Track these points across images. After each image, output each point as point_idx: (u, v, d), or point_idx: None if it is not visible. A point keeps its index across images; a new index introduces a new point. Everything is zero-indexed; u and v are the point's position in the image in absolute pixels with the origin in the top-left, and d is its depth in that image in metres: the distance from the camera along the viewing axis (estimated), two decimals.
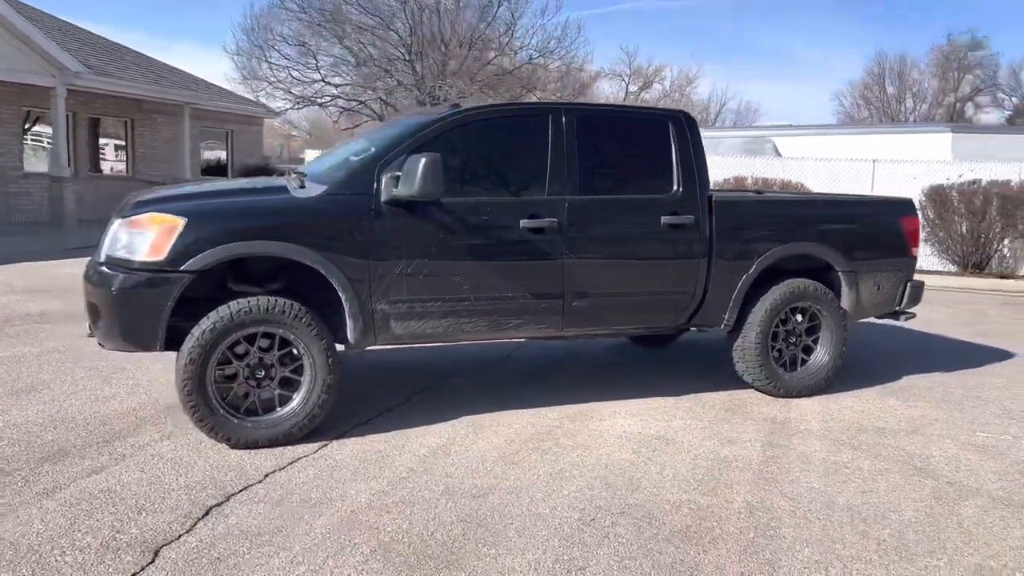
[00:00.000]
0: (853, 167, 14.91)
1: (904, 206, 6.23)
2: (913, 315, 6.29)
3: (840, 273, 5.84)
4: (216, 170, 22.07)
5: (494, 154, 5.01)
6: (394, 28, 17.37)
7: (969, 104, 66.81)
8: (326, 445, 4.51)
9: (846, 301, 5.89)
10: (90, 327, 4.59)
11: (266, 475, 4.06)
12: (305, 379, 4.49)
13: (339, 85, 17.73)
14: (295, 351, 4.48)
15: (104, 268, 4.36)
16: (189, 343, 4.24)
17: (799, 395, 5.76)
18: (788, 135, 20.02)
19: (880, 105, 66.18)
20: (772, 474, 4.29)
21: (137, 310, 4.25)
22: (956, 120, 55.50)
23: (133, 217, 4.35)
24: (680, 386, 5.94)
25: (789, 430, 5.04)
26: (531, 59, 17.25)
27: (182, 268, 4.24)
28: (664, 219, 5.28)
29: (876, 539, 3.55)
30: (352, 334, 4.62)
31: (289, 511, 3.65)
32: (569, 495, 3.93)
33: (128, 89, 17.90)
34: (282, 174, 6.44)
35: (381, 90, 17.56)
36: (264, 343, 4.42)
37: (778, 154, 18.33)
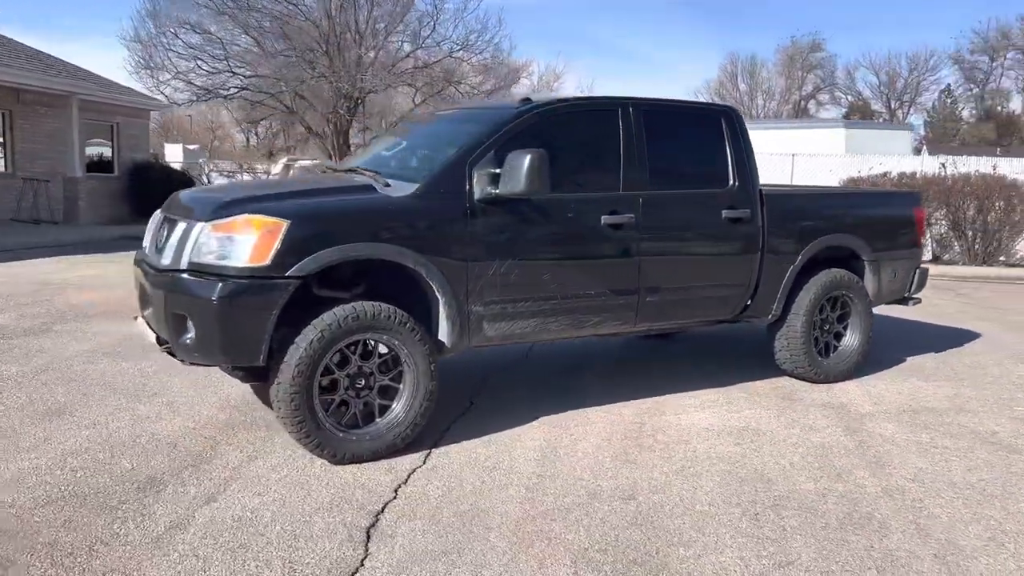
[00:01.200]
0: (773, 160, 15.67)
1: (915, 197, 6.60)
2: (919, 300, 6.68)
3: (866, 262, 6.11)
4: (99, 166, 20.51)
5: (573, 149, 4.92)
6: (310, 18, 16.71)
7: (812, 101, 71.71)
8: (428, 455, 4.30)
9: (870, 288, 6.18)
10: (162, 340, 4.17)
11: (396, 489, 3.83)
12: (407, 387, 4.27)
13: (248, 76, 16.87)
14: (395, 358, 4.24)
15: (190, 276, 3.97)
16: (296, 353, 3.94)
17: (834, 380, 5.99)
18: None
19: (735, 102, 69.86)
20: (876, 457, 4.44)
21: (241, 321, 3.90)
22: (800, 116, 59.02)
23: (225, 220, 3.98)
24: (718, 377, 6.03)
25: (853, 414, 5.24)
26: (452, 52, 17.04)
27: (288, 274, 3.93)
28: (724, 213, 5.36)
29: (1020, 513, 3.75)
30: (449, 337, 4.43)
31: (453, 526, 3.46)
32: (712, 491, 3.93)
33: (4, 77, 16.34)
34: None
35: (294, 82, 16.84)
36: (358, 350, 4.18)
37: None
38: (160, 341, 4.24)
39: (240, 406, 5.01)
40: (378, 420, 4.25)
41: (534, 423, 4.88)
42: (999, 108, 64.30)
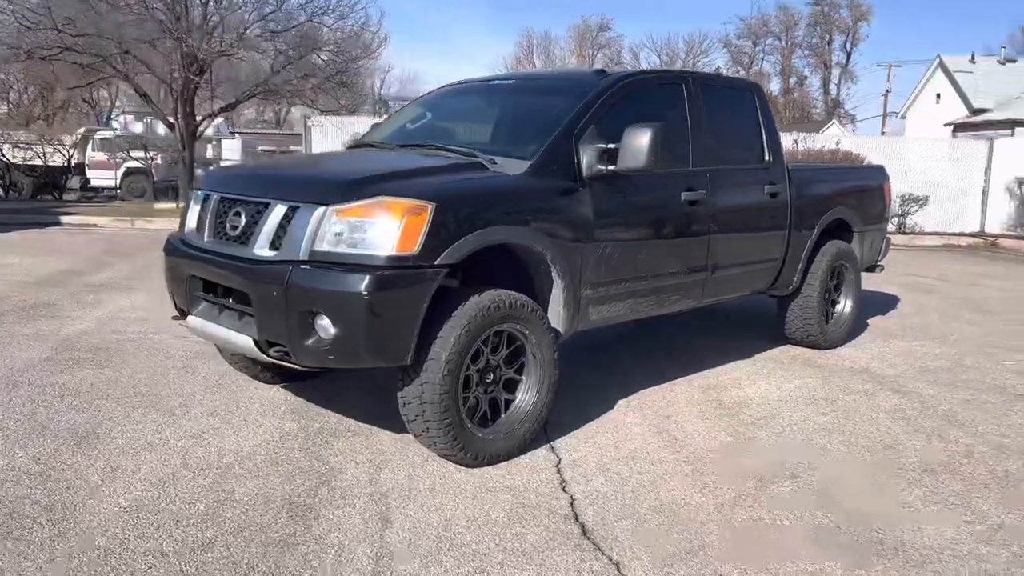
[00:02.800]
0: None
1: (883, 171, 7.07)
2: (883, 267, 7.20)
3: (856, 233, 6.49)
4: None
5: (648, 122, 4.77)
6: None
7: (477, 76, 75.13)
8: (553, 449, 4.07)
9: (857, 257, 6.58)
10: (279, 344, 3.61)
11: (564, 489, 3.58)
12: (533, 378, 3.99)
13: (78, 35, 14.87)
14: (518, 349, 3.96)
15: (322, 269, 3.45)
16: (445, 348, 3.54)
17: (835, 346, 6.34)
18: None
19: None
20: (949, 416, 4.75)
21: (392, 317, 3.44)
22: None
23: (359, 203, 3.48)
24: (734, 350, 6.15)
25: (885, 378, 5.56)
26: (312, 17, 15.98)
27: (437, 263, 3.52)
28: (766, 188, 5.47)
29: None
30: (563, 324, 4.19)
31: (665, 523, 3.29)
32: (873, 462, 4.02)
33: None
34: None
35: (131, 42, 15.07)
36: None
37: None
38: (265, 346, 3.65)
39: (297, 411, 4.48)
40: (503, 416, 3.94)
41: (621, 405, 4.78)
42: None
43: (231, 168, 4.60)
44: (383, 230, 3.42)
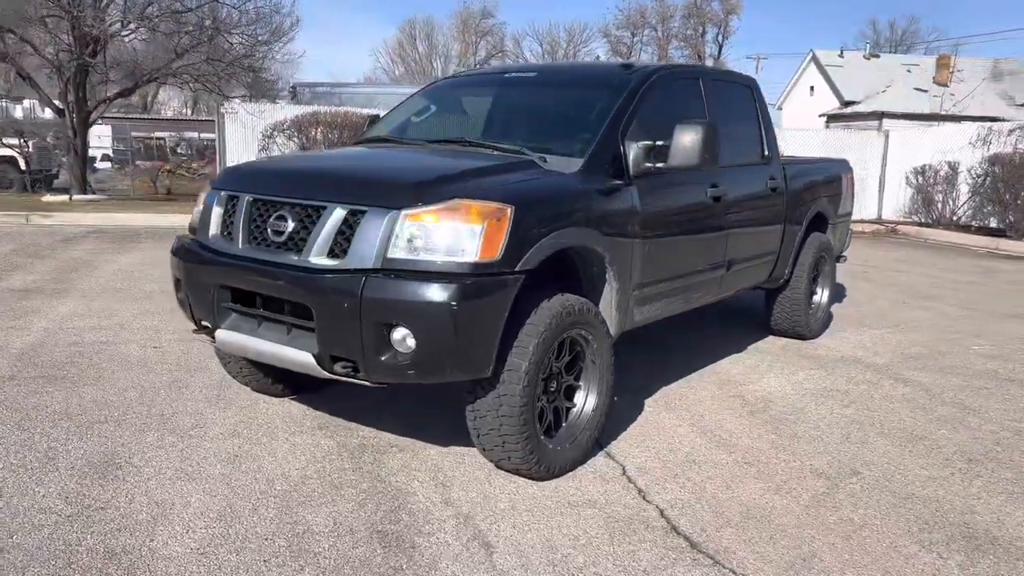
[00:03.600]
0: None
1: (847, 164, 7.29)
2: (846, 258, 7.45)
3: (830, 224, 6.68)
4: None
5: (679, 118, 4.71)
6: None
7: (486, 66, 75.25)
8: (610, 456, 3.97)
9: (833, 248, 6.78)
10: (346, 359, 3.34)
11: (646, 499, 3.48)
12: (592, 384, 3.87)
13: None
14: (577, 354, 3.83)
15: (400, 279, 3.20)
16: (525, 357, 3.37)
17: (816, 336, 6.51)
18: None
19: (414, 64, 71.06)
20: (957, 402, 4.94)
21: (477, 327, 3.24)
22: None
23: (436, 206, 3.25)
24: (725, 344, 6.22)
25: (879, 366, 5.75)
26: None
27: (517, 269, 3.34)
28: (768, 183, 5.53)
29: None
30: (614, 327, 4.09)
31: (766, 530, 3.25)
32: (917, 454, 4.11)
33: None
34: None
35: (19, 20, 13.79)
36: None
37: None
38: (328, 362, 3.36)
39: (325, 427, 4.20)
40: (564, 425, 3.80)
41: (648, 404, 4.73)
42: None
43: (259, 165, 4.21)
44: (465, 236, 3.21)
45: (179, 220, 13.68)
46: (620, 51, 72.56)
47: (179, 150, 36.44)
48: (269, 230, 3.54)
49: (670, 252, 4.41)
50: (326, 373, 3.39)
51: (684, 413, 4.60)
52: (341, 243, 3.33)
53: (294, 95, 18.72)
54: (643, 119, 4.23)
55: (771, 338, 6.42)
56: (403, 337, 3.19)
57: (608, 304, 4.01)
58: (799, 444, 4.19)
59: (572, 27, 75.72)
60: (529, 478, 3.59)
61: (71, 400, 4.43)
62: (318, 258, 3.35)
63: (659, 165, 4.09)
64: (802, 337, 6.37)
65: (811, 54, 46.03)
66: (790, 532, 3.22)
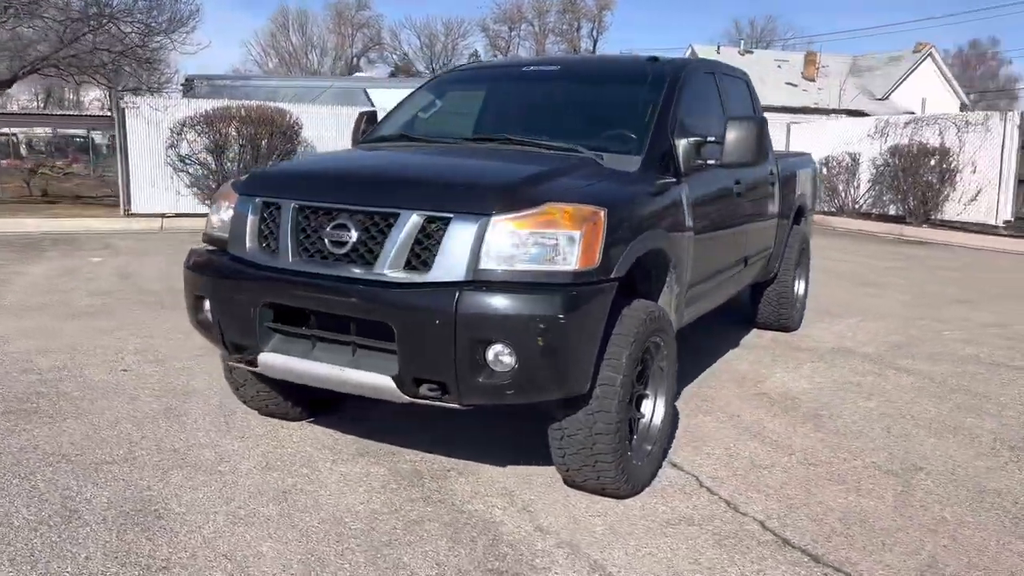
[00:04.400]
0: None
1: (812, 158, 7.42)
2: None
3: (803, 218, 6.79)
4: None
5: (705, 113, 4.61)
6: None
7: (364, 59, 73.94)
8: (676, 466, 3.83)
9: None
10: (432, 381, 3.04)
11: (744, 515, 3.36)
12: (661, 391, 3.71)
13: None
14: (648, 361, 3.66)
15: (496, 291, 2.93)
16: (618, 372, 3.17)
17: (797, 327, 6.60)
18: (380, 87, 20.09)
19: (288, 56, 68.95)
20: (963, 390, 5.08)
21: (580, 341, 3.01)
22: (352, 73, 60.16)
23: (531, 212, 2.99)
24: (719, 337, 6.16)
25: (872, 356, 5.86)
26: None
27: (612, 276, 3.14)
28: (768, 177, 5.53)
29: None
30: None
31: (872, 541, 3.19)
32: (961, 444, 4.15)
33: None
34: None
35: None
36: None
37: (372, 104, 18.41)
38: (411, 385, 3.04)
39: (365, 452, 3.87)
40: (635, 438, 3.62)
41: (681, 408, 4.59)
42: None
43: (301, 168, 3.78)
44: (563, 243, 2.97)
45: (78, 225, 12.63)
46: (499, 45, 72.65)
47: (34, 146, 33.61)
48: (326, 241, 3.18)
49: (711, 250, 4.31)
50: (406, 397, 3.07)
51: (720, 415, 4.51)
52: (419, 254, 3.02)
53: (190, 88, 17.61)
54: (683, 114, 4.09)
55: (755, 331, 6.44)
56: (501, 355, 2.92)
57: (667, 306, 3.85)
58: (848, 441, 4.17)
59: (450, 21, 75.15)
60: (614, 496, 3.39)
61: (59, 438, 3.89)
62: (393, 271, 3.02)
63: (711, 162, 3.96)
64: (786, 329, 6.43)
65: (690, 49, 47.51)
66: (897, 536, 3.16)
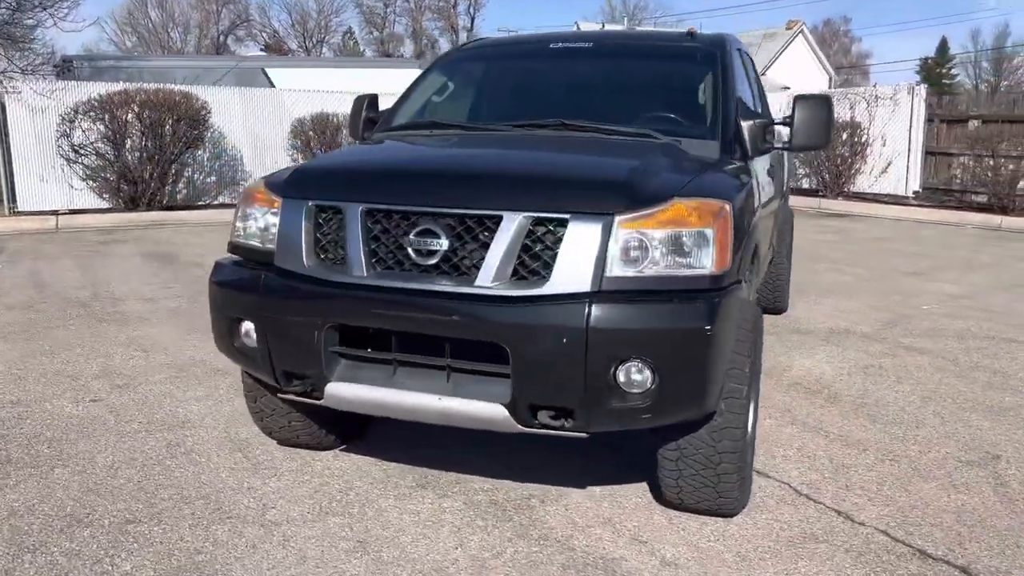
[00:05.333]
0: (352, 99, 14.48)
1: None
2: None
3: (787, 196, 6.70)
4: None
5: (744, 91, 4.35)
6: None
7: (232, 37, 70.72)
8: (763, 474, 3.59)
9: None
10: (554, 407, 2.66)
11: (848, 519, 3.16)
12: (755, 396, 3.45)
13: None
14: None
15: (635, 303, 2.58)
16: (743, 383, 2.88)
17: (786, 310, 6.53)
18: (281, 66, 18.91)
19: (147, 34, 65.00)
20: (981, 367, 5.10)
21: (724, 354, 2.70)
22: (223, 52, 57.54)
23: (660, 208, 2.64)
24: None
25: (873, 336, 5.84)
26: None
27: (739, 278, 2.85)
28: (778, 156, 5.37)
29: None
30: None
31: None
32: (1014, 425, 4.10)
33: None
34: None
35: None
36: None
37: (272, 84, 17.34)
38: (527, 413, 2.65)
39: (425, 483, 3.44)
40: None
41: None
42: (399, 52, 71.19)
43: (364, 164, 3.22)
44: (698, 242, 2.64)
45: None
46: (374, 22, 70.80)
47: None
48: (409, 251, 2.72)
49: (767, 238, 4.07)
50: (520, 427, 2.68)
51: (772, 411, 4.31)
52: (527, 262, 2.62)
53: (68, 71, 16.04)
54: (739, 93, 3.82)
55: None
56: (638, 374, 2.57)
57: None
58: (911, 431, 4.05)
59: None
60: (724, 516, 3.11)
61: (55, 495, 3.26)
62: (498, 284, 2.60)
63: (778, 145, 3.70)
64: (779, 311, 6.34)
65: (576, 26, 47.71)
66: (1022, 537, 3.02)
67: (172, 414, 4.17)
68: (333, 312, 2.80)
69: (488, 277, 2.62)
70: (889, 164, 14.31)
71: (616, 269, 2.58)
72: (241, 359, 3.10)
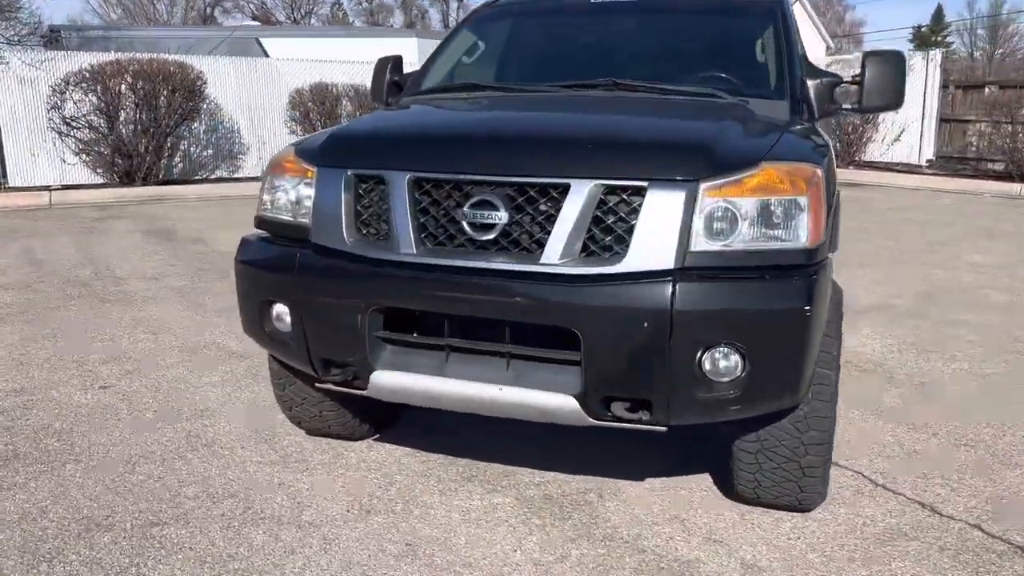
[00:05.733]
0: (351, 68, 14.19)
1: None
2: None
3: None
4: None
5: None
6: None
7: (218, 8, 69.42)
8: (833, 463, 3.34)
9: None
10: (631, 399, 2.39)
11: (936, 512, 2.91)
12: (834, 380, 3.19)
13: None
14: None
15: (724, 281, 2.31)
16: (832, 368, 2.63)
17: None
18: (274, 36, 18.38)
19: (132, 5, 63.78)
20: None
21: (818, 337, 2.43)
22: (209, 23, 56.39)
23: (749, 173, 2.35)
24: None
25: (916, 312, 5.60)
26: None
27: (831, 252, 2.57)
28: None
29: None
30: None
31: None
32: None
33: None
34: None
35: None
36: None
37: (266, 55, 16.85)
38: (599, 406, 2.37)
39: (473, 477, 3.18)
40: None
41: None
42: (389, 23, 69.96)
43: (409, 127, 2.96)
44: (791, 212, 2.35)
45: None
46: None
47: None
48: (463, 224, 2.43)
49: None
50: (591, 420, 2.41)
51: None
52: (598, 237, 2.33)
53: (55, 41, 15.54)
54: (800, 50, 3.51)
55: None
56: (727, 361, 2.29)
57: None
58: (978, 414, 3.81)
59: None
60: (803, 511, 2.86)
61: (69, 494, 2.99)
62: (566, 260, 2.32)
63: (847, 106, 3.40)
64: None
65: None
66: None
67: (188, 402, 3.90)
68: (378, 293, 2.52)
69: (555, 254, 2.33)
70: (902, 131, 14.00)
71: (701, 243, 2.30)
72: (273, 345, 2.82)
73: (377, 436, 3.49)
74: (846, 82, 3.39)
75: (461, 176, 2.45)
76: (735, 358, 2.29)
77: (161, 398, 3.94)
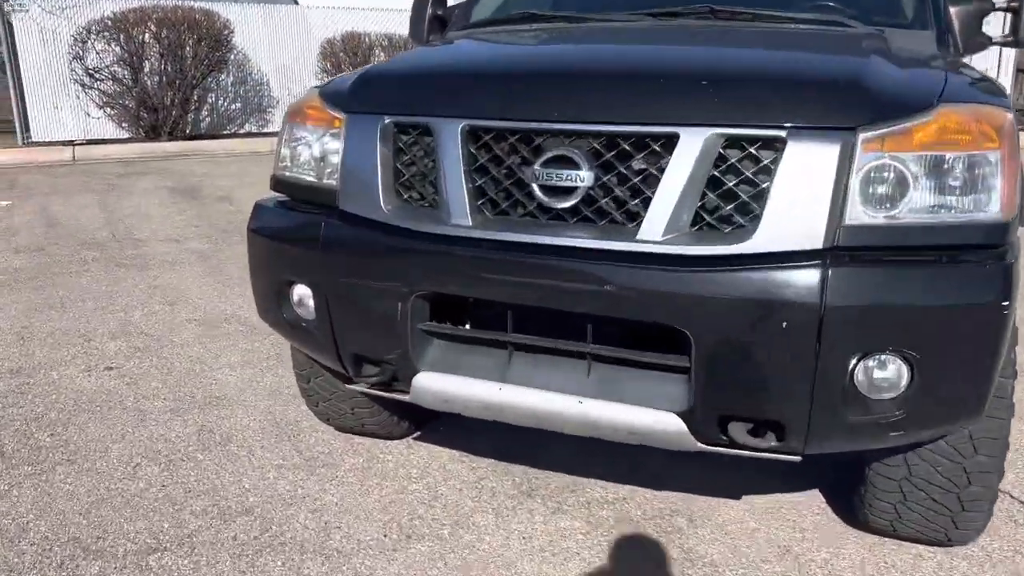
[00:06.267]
0: (384, 16, 13.37)
1: None
2: None
3: None
4: None
5: None
6: None
7: None
8: None
9: None
10: (753, 419, 1.82)
11: None
12: None
13: None
14: None
15: (889, 266, 1.72)
16: (1009, 377, 2.02)
17: None
18: None
19: None
20: None
21: (1009, 337, 1.83)
22: None
23: (924, 120, 1.74)
24: None
25: None
26: None
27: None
28: None
29: None
30: None
31: None
32: None
33: None
34: None
35: None
36: None
37: (295, 2, 16.25)
38: (711, 428, 1.81)
39: (529, 490, 2.64)
40: None
41: None
42: None
43: (456, 64, 2.37)
44: (980, 172, 1.74)
45: None
46: None
47: None
48: (535, 187, 1.85)
49: None
50: (699, 444, 1.85)
51: None
52: (720, 205, 1.74)
53: None
54: None
55: None
56: (888, 373, 1.71)
57: None
58: None
59: None
60: (947, 545, 2.29)
61: (54, 503, 2.52)
62: (674, 236, 1.73)
63: (995, 38, 2.74)
64: None
65: None
66: None
67: (203, 387, 3.41)
68: (423, 275, 1.97)
69: (657, 228, 1.75)
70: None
71: (858, 213, 1.70)
72: (293, 335, 2.29)
73: (417, 434, 2.98)
74: (999, 8, 2.73)
75: (531, 124, 1.87)
76: (900, 368, 1.71)
77: (172, 382, 3.46)
